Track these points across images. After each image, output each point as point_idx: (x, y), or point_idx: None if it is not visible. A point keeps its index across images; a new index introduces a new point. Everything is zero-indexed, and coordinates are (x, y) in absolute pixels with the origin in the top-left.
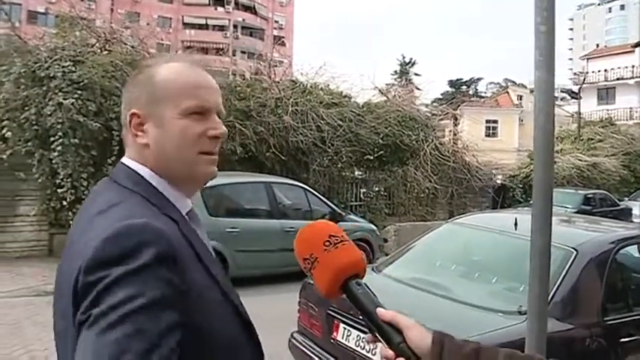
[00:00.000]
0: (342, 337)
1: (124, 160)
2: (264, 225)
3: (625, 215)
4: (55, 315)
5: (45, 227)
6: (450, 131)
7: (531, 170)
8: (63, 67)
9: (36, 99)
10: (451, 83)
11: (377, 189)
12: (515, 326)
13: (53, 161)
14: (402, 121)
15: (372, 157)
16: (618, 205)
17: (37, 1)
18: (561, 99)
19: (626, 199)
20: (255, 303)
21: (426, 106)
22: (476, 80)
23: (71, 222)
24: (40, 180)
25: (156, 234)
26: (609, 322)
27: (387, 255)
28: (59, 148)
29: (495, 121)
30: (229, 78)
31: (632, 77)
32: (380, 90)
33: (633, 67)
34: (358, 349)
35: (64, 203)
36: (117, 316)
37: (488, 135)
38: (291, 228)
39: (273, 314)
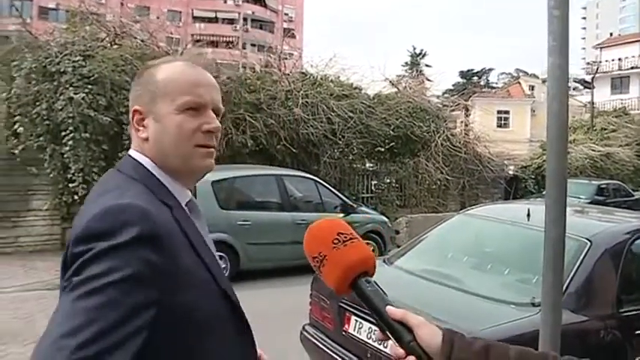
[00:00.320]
0: (354, 330)
1: (130, 152)
2: (276, 218)
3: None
4: None
5: (57, 221)
6: (462, 122)
7: (544, 161)
8: (73, 61)
9: (47, 94)
10: (462, 74)
11: (388, 181)
12: (528, 318)
13: (65, 156)
14: (413, 112)
15: (383, 149)
16: (632, 196)
17: None
18: (574, 89)
19: None
20: (267, 296)
21: (437, 97)
22: (487, 71)
23: None
24: (51, 175)
25: (140, 214)
26: (624, 314)
27: (398, 247)
28: (70, 142)
29: (507, 112)
30: (239, 71)
31: None
32: (391, 81)
33: None
34: (370, 341)
35: (76, 197)
36: (92, 286)
37: (499, 126)
38: (303, 220)
39: (284, 307)
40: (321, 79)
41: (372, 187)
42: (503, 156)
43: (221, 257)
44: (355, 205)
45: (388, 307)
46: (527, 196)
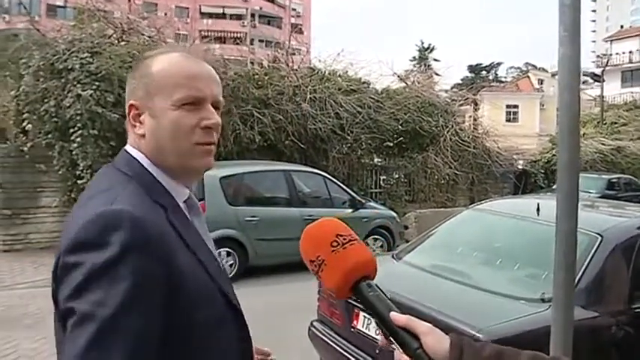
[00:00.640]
0: (363, 326)
1: (126, 147)
2: (284, 213)
3: None
4: None
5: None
6: (470, 117)
7: (553, 155)
8: (81, 58)
9: (55, 91)
10: (471, 68)
11: (397, 176)
12: (538, 314)
13: (73, 153)
14: (421, 107)
15: (391, 144)
16: None
17: None
18: (584, 82)
19: None
20: (275, 291)
21: (446, 91)
22: (496, 65)
23: None
24: (60, 172)
25: (130, 221)
26: (636, 310)
27: (407, 242)
28: (79, 139)
29: (516, 106)
30: (247, 66)
31: None
32: (399, 76)
33: None
34: (378, 337)
35: None
36: (98, 326)
37: (508, 120)
38: (311, 216)
39: (292, 302)
40: (329, 74)
41: (381, 183)
42: (512, 150)
43: (229, 254)
44: (364, 201)
45: (392, 313)
46: (537, 191)
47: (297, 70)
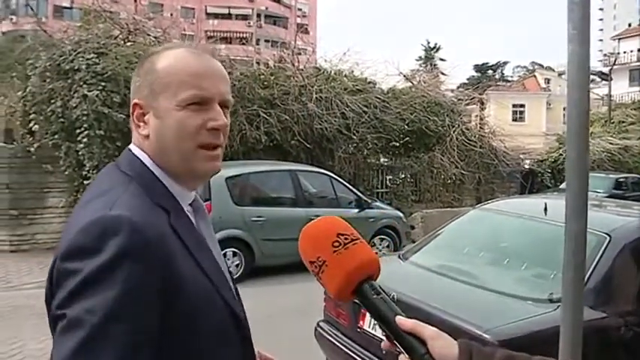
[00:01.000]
0: (369, 326)
1: (130, 146)
2: (290, 213)
3: None
4: None
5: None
6: (477, 116)
7: (560, 155)
8: (87, 59)
9: (61, 92)
10: (477, 68)
11: (403, 175)
12: (546, 314)
13: (79, 153)
14: (427, 106)
15: (397, 144)
16: None
17: None
18: (591, 81)
19: None
20: (281, 291)
21: (452, 91)
22: (502, 64)
23: None
24: (67, 172)
25: (127, 227)
26: None
27: (413, 242)
28: (85, 139)
29: (522, 106)
30: (253, 67)
31: None
32: (405, 76)
33: None
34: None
35: None
36: (87, 333)
37: (515, 119)
38: (317, 216)
39: (298, 303)
40: (335, 73)
41: (387, 182)
42: (519, 150)
43: (235, 254)
44: (370, 201)
45: (398, 318)
46: (544, 191)
47: (303, 70)
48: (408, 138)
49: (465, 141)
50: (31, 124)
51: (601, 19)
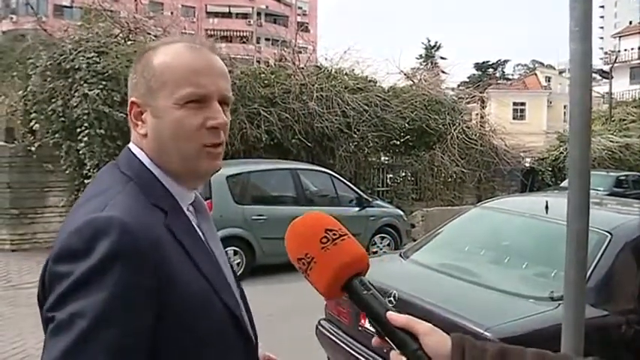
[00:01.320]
0: (370, 325)
1: (129, 145)
2: (291, 212)
3: None
4: None
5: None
6: (477, 114)
7: (560, 153)
8: (87, 58)
9: (62, 91)
10: (478, 66)
11: (404, 174)
12: (547, 312)
13: (80, 152)
14: (428, 105)
15: (398, 142)
16: None
17: None
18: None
19: None
20: (283, 290)
21: (453, 89)
22: (503, 62)
23: None
24: (67, 171)
25: (118, 229)
26: None
27: (414, 241)
28: (86, 139)
29: (523, 104)
30: (254, 65)
31: None
32: (405, 74)
33: None
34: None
35: None
36: (76, 335)
37: (515, 118)
38: None
39: (299, 301)
40: (336, 72)
41: (388, 181)
42: (520, 148)
43: (235, 252)
44: (371, 199)
45: (389, 313)
46: (544, 189)
47: (303, 68)
48: (408, 136)
49: (466, 139)
50: (31, 123)
51: (602, 17)
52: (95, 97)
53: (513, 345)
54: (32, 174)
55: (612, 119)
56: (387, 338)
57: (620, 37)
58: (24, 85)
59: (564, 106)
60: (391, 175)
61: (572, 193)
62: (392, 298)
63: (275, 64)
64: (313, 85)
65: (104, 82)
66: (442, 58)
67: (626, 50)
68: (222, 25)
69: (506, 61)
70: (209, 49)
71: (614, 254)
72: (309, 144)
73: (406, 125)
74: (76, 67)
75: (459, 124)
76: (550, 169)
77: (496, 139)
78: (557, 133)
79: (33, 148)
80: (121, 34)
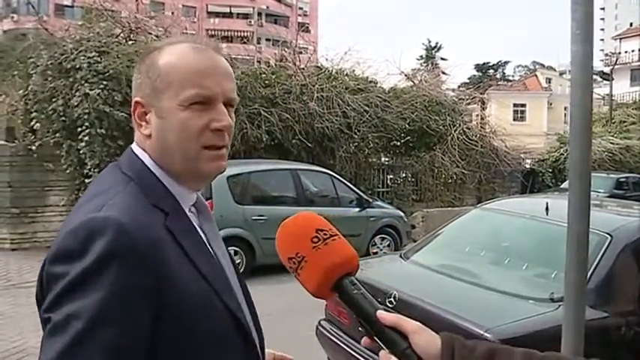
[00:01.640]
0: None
1: (132, 145)
2: (291, 213)
3: None
4: None
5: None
6: (478, 116)
7: (561, 154)
8: (88, 57)
9: (63, 90)
10: (478, 67)
11: (404, 175)
12: (547, 314)
13: (81, 152)
14: (428, 106)
15: (398, 143)
16: None
17: None
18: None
19: None
20: (283, 291)
21: (453, 90)
22: (503, 64)
23: None
24: (68, 170)
25: (115, 229)
26: None
27: (414, 241)
28: (86, 138)
29: (523, 105)
30: (254, 66)
31: None
32: (406, 75)
33: None
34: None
35: None
36: (72, 336)
37: (516, 119)
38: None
39: (299, 302)
40: (336, 72)
41: (388, 182)
42: (520, 149)
43: (236, 252)
44: (371, 200)
45: (379, 312)
46: (545, 190)
47: (304, 68)
48: (409, 137)
49: (466, 140)
50: (32, 123)
51: (602, 19)
52: (96, 96)
53: (506, 345)
54: (33, 173)
55: (613, 121)
56: (376, 338)
57: (620, 38)
58: (25, 85)
59: (565, 108)
60: (391, 176)
61: (573, 195)
62: (392, 299)
63: (276, 65)
64: (314, 86)
65: (105, 82)
66: (442, 59)
67: (626, 52)
68: (223, 25)
69: (506, 63)
70: (214, 50)
71: (615, 256)
72: (309, 144)
73: (406, 126)
74: (77, 66)
75: (460, 125)
76: (550, 170)
77: (496, 140)
78: (557, 135)
79: (34, 148)
80: (122, 34)
